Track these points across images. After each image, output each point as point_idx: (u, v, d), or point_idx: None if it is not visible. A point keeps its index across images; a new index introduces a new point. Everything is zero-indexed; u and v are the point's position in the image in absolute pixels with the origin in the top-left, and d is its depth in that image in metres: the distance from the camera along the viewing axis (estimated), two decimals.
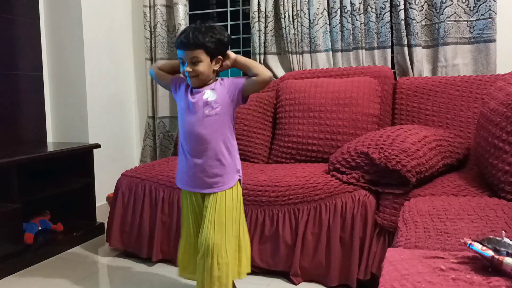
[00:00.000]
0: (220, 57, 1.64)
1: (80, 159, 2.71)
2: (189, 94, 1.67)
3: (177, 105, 1.74)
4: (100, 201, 2.83)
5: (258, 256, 2.07)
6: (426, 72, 2.64)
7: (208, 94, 1.64)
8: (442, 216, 1.43)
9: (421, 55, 2.60)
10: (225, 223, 1.64)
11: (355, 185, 1.97)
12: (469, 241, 0.88)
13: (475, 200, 1.61)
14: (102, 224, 2.71)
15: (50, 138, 2.99)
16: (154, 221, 2.23)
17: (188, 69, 1.60)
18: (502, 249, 0.84)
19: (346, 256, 1.95)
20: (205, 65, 1.60)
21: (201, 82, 1.64)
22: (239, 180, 1.71)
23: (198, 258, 1.65)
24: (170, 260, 2.25)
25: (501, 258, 0.83)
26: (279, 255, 2.04)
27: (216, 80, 1.68)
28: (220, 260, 1.61)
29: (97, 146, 2.76)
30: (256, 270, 2.10)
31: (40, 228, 2.56)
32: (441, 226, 1.34)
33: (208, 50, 1.59)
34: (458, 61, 2.55)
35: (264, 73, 1.65)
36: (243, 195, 2.09)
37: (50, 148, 2.68)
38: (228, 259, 1.62)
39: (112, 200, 2.39)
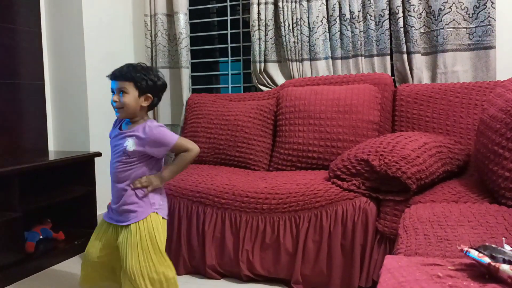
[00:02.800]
0: (149, 95, 1.71)
1: (82, 167, 2.72)
2: (117, 131, 1.77)
3: None
4: (102, 210, 2.83)
5: (259, 264, 2.07)
6: (426, 79, 2.65)
7: (128, 142, 1.70)
8: (443, 223, 1.43)
9: (420, 62, 2.61)
10: None
11: (355, 192, 1.97)
12: (466, 248, 0.88)
13: (476, 206, 1.61)
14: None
15: (51, 146, 3.00)
16: None
17: (115, 98, 1.69)
18: (499, 256, 0.84)
19: (347, 263, 1.94)
20: (131, 97, 1.68)
21: (127, 115, 1.72)
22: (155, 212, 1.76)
23: None
24: None
25: (497, 265, 0.83)
26: (280, 262, 2.04)
27: (145, 121, 1.74)
28: None
29: (99, 154, 2.76)
30: (257, 278, 2.11)
31: (41, 236, 2.56)
32: (441, 233, 1.34)
33: (137, 84, 1.68)
34: (458, 67, 2.55)
35: (194, 150, 1.75)
36: (243, 203, 2.11)
37: (51, 156, 2.68)
38: None
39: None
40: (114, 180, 1.76)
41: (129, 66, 1.70)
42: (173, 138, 1.71)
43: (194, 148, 1.75)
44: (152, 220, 1.72)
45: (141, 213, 1.71)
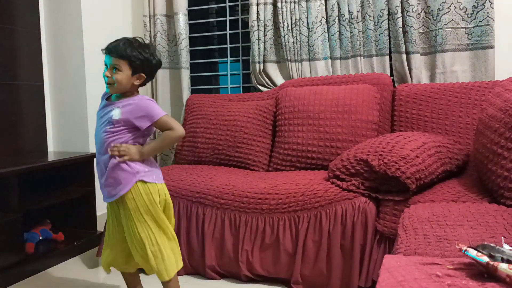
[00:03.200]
0: (142, 74, 1.70)
1: (81, 168, 2.72)
2: (105, 102, 1.76)
3: None
4: (101, 210, 2.83)
5: (259, 264, 2.07)
6: (425, 79, 2.65)
7: (115, 112, 1.69)
8: (442, 222, 1.44)
9: (419, 62, 2.61)
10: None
11: (355, 192, 1.97)
12: (465, 247, 0.88)
13: (475, 206, 1.61)
14: (103, 233, 2.71)
15: (50, 147, 3.00)
16: None
17: (107, 74, 1.67)
18: (497, 255, 0.84)
19: (347, 263, 1.95)
20: (124, 75, 1.66)
21: (117, 92, 1.71)
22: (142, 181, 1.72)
23: None
24: None
25: (495, 264, 0.83)
26: (280, 263, 2.04)
27: (135, 95, 1.73)
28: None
29: None
30: (257, 278, 2.11)
31: (41, 237, 2.56)
32: (440, 232, 1.34)
33: (131, 63, 1.66)
34: (457, 67, 2.56)
35: (178, 130, 1.70)
36: (243, 203, 2.11)
37: (50, 157, 2.68)
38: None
39: None
40: (98, 152, 1.75)
41: (125, 42, 1.67)
42: (160, 113, 1.68)
43: (179, 128, 1.70)
44: (140, 189, 1.70)
45: (126, 184, 1.69)
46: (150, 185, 1.72)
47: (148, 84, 3.21)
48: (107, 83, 1.69)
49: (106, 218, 1.90)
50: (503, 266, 0.82)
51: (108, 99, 1.78)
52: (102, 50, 1.71)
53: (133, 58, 1.65)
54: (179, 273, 2.20)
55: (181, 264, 1.81)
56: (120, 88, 1.68)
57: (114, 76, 1.66)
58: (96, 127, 1.77)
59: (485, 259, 0.85)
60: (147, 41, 3.11)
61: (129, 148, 1.68)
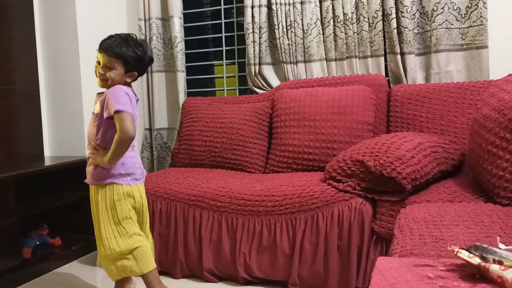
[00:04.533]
0: (135, 72, 1.74)
1: (78, 172, 2.70)
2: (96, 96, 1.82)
3: None
4: None
5: (256, 266, 2.07)
6: (420, 80, 2.66)
7: (96, 107, 1.75)
8: (438, 222, 1.44)
9: (414, 62, 2.62)
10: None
11: (351, 193, 1.98)
12: (457, 249, 0.89)
13: (471, 206, 1.61)
14: None
15: (47, 152, 3.00)
16: (152, 233, 2.23)
17: (101, 71, 1.69)
18: (489, 256, 0.84)
19: (344, 264, 1.95)
20: (117, 74, 1.69)
21: (108, 87, 1.72)
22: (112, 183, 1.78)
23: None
24: (168, 272, 2.25)
25: (487, 265, 0.84)
26: (277, 265, 2.04)
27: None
28: None
29: None
30: (255, 281, 2.11)
31: (38, 242, 2.55)
32: (436, 233, 1.34)
33: (125, 62, 1.68)
34: (451, 67, 2.57)
35: (122, 132, 1.68)
36: (240, 205, 2.11)
37: (47, 162, 2.68)
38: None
39: None
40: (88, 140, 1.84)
41: (120, 41, 1.67)
42: (117, 106, 1.63)
43: (124, 131, 1.64)
44: (111, 190, 1.76)
45: (98, 178, 1.77)
46: (125, 187, 1.77)
47: (144, 88, 3.23)
48: (101, 79, 1.70)
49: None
50: (494, 267, 0.83)
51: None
52: (96, 50, 1.72)
53: (128, 58, 1.67)
54: (176, 276, 2.21)
55: (144, 268, 1.81)
56: (112, 84, 1.71)
57: (108, 73, 1.68)
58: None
59: (477, 260, 0.85)
60: (142, 37, 3.14)
61: (96, 156, 1.75)
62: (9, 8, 2.69)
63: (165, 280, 2.22)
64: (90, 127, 1.81)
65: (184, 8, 3.22)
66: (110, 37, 1.70)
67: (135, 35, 1.75)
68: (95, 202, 1.81)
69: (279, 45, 2.85)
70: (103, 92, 1.79)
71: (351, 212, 1.94)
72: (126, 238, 1.76)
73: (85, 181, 1.87)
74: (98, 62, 1.70)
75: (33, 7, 2.86)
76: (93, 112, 1.81)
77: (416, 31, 2.64)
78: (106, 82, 1.70)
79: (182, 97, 3.13)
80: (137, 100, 1.78)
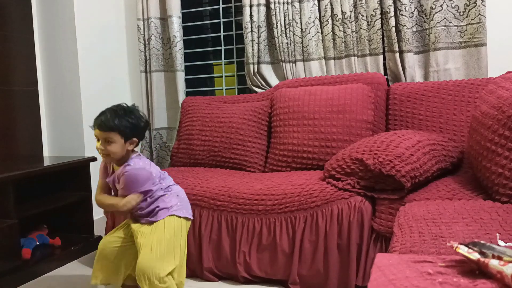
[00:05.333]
0: (135, 139, 1.75)
1: (77, 172, 2.72)
2: (110, 173, 1.83)
3: None
4: (98, 215, 2.83)
5: (256, 265, 2.07)
6: (418, 78, 2.66)
7: (118, 186, 1.79)
8: (437, 220, 1.44)
9: (412, 60, 2.62)
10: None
11: (350, 192, 1.98)
12: (456, 245, 0.89)
13: (470, 203, 1.62)
14: (100, 237, 2.71)
15: (46, 152, 3.00)
16: None
17: (101, 147, 1.71)
18: (488, 251, 0.85)
19: (343, 262, 1.95)
20: (117, 146, 1.71)
21: (113, 160, 1.77)
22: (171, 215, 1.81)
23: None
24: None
25: (486, 260, 0.84)
26: (277, 263, 2.04)
27: (129, 161, 1.77)
28: None
29: (94, 159, 2.76)
30: (255, 280, 2.11)
31: (37, 243, 2.55)
32: (436, 230, 1.34)
33: (122, 133, 1.70)
34: (450, 65, 2.57)
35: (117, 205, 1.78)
36: (239, 204, 2.12)
37: (46, 162, 2.68)
38: None
39: (110, 213, 2.38)
40: None
41: (111, 113, 1.71)
42: (132, 190, 1.74)
43: (127, 206, 1.75)
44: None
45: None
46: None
47: (144, 88, 3.23)
48: (104, 154, 1.73)
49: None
50: (493, 263, 0.83)
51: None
52: (90, 126, 1.76)
53: (122, 128, 1.70)
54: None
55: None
56: (116, 157, 1.73)
57: (108, 148, 1.70)
58: (113, 189, 1.88)
59: (476, 255, 0.85)
60: (141, 37, 3.14)
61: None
62: (7, 9, 2.68)
63: None
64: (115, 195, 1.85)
65: (183, 8, 3.21)
66: (102, 113, 1.73)
67: (125, 104, 1.79)
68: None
69: (277, 44, 2.85)
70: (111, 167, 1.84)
71: (351, 210, 1.94)
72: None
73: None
74: (98, 139, 1.74)
75: (31, 7, 2.86)
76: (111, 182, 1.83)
77: (414, 29, 2.64)
78: (109, 156, 1.73)
79: (181, 97, 3.13)
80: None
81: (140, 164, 1.76)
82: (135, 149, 1.82)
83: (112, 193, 1.86)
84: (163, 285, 1.68)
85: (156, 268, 1.68)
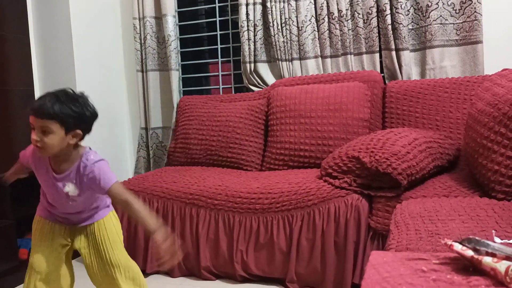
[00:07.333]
0: (78, 131, 1.44)
1: None
2: (51, 172, 1.52)
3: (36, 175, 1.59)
4: None
5: (253, 264, 2.08)
6: (415, 75, 2.66)
7: (69, 188, 1.49)
8: (433, 217, 1.44)
9: (409, 58, 2.62)
10: None
11: (347, 190, 1.98)
12: (450, 242, 0.89)
13: (466, 200, 1.62)
14: None
15: None
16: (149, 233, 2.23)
17: (35, 137, 1.42)
18: (482, 248, 0.85)
19: (340, 260, 1.95)
20: (56, 137, 1.40)
21: (48, 155, 1.48)
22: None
23: None
24: (166, 271, 2.25)
25: (480, 257, 0.84)
26: (274, 262, 2.05)
27: (80, 157, 1.49)
28: None
29: None
30: (252, 278, 2.11)
31: None
32: (432, 227, 1.35)
33: (62, 122, 1.40)
34: (446, 63, 2.57)
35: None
36: (236, 203, 2.12)
37: None
38: None
39: None
40: (63, 211, 1.62)
41: (51, 99, 1.42)
42: (110, 180, 1.46)
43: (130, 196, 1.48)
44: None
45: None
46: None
47: (140, 88, 3.22)
48: (38, 147, 1.43)
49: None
50: (487, 260, 0.83)
51: (50, 163, 1.54)
52: (27, 109, 1.45)
53: (63, 117, 1.39)
54: (174, 275, 2.21)
55: None
56: (53, 151, 1.44)
57: (45, 139, 1.40)
58: (49, 191, 1.59)
59: (469, 253, 0.86)
60: (137, 36, 3.10)
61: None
62: (2, 10, 2.67)
63: (162, 279, 2.22)
64: (64, 202, 1.56)
65: (179, 7, 3.21)
66: (40, 97, 1.44)
67: (71, 89, 1.49)
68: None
69: (274, 43, 2.85)
70: (50, 162, 1.52)
71: (348, 208, 1.95)
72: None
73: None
74: (32, 128, 1.43)
75: (26, 8, 2.85)
76: (51, 186, 1.55)
77: (410, 27, 2.64)
78: (44, 150, 1.42)
79: (176, 96, 3.13)
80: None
81: (98, 156, 1.50)
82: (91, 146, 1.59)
83: (56, 198, 1.57)
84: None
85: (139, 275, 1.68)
